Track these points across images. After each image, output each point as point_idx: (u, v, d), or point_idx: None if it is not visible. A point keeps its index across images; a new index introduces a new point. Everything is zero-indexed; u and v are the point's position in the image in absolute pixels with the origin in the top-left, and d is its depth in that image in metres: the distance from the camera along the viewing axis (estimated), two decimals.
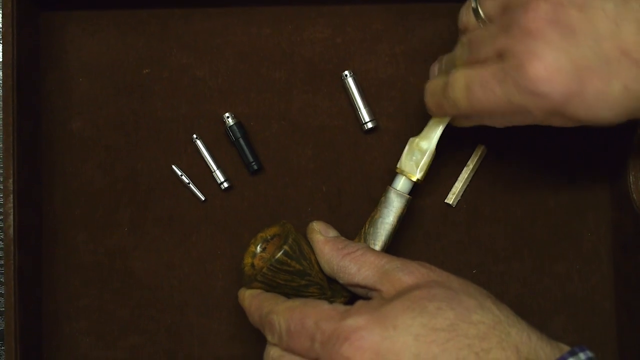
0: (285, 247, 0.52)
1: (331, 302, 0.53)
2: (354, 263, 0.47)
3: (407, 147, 0.55)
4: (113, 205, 0.60)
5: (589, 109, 0.44)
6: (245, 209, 0.60)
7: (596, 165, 0.60)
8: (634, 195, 0.56)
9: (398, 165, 0.55)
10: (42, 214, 0.59)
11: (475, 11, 0.49)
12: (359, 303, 0.43)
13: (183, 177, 0.59)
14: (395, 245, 0.59)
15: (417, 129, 0.59)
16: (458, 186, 0.59)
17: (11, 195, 0.54)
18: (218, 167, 0.59)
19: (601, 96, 0.43)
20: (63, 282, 0.59)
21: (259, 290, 0.51)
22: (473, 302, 0.41)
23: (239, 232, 0.59)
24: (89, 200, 0.59)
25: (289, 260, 0.52)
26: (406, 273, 0.44)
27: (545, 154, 0.60)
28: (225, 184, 0.59)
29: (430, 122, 0.55)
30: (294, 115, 0.60)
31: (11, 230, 0.54)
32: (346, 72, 0.59)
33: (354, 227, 0.59)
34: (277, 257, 0.52)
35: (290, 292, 0.53)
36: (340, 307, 0.43)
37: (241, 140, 0.59)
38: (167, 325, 0.59)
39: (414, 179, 0.55)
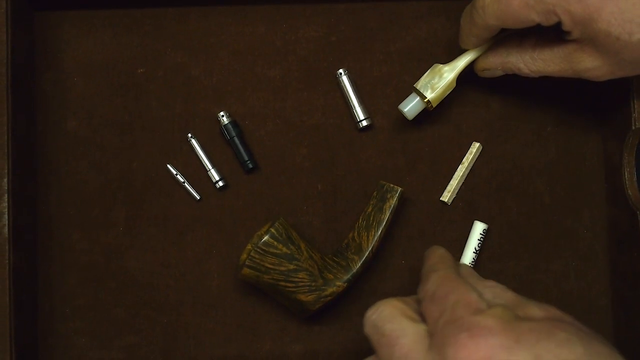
0: (272, 229, 0.54)
1: (323, 290, 0.54)
2: (488, 288, 0.45)
3: (429, 70, 0.56)
4: (108, 204, 0.59)
5: (623, 21, 0.44)
6: (241, 207, 0.60)
7: (591, 162, 0.60)
8: (629, 191, 0.56)
9: (415, 85, 0.56)
10: (37, 214, 0.59)
11: None
12: (500, 308, 0.41)
13: (178, 176, 0.59)
14: (391, 243, 0.59)
15: (412, 127, 0.60)
16: (453, 184, 0.59)
17: (6, 195, 0.54)
18: (213, 166, 0.59)
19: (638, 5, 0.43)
20: (58, 281, 0.59)
21: (444, 254, 0.49)
22: (604, 348, 0.39)
23: (235, 231, 0.59)
24: (84, 200, 0.59)
25: (275, 243, 0.53)
26: (539, 307, 0.43)
27: (540, 151, 0.60)
28: (221, 183, 0.59)
29: (459, 56, 0.56)
30: (288, 114, 0.60)
31: (6, 230, 0.54)
32: (341, 71, 0.59)
33: (349, 225, 0.59)
34: (264, 239, 0.53)
35: (279, 277, 0.53)
36: (484, 305, 0.41)
37: (236, 139, 0.59)
38: (162, 325, 0.59)
39: (426, 99, 0.55)
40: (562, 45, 0.51)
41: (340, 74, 0.59)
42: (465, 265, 0.49)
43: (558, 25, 0.49)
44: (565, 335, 0.39)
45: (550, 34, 0.52)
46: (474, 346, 0.38)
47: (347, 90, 0.59)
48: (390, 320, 0.43)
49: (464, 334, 0.39)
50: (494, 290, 0.44)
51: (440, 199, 0.59)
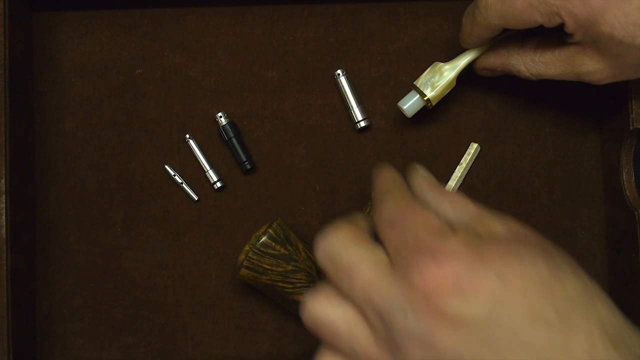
0: (270, 230, 0.54)
1: None
2: (449, 203, 0.44)
3: (429, 68, 0.56)
4: (106, 205, 0.59)
5: (627, 24, 0.44)
6: (239, 208, 0.60)
7: (589, 163, 0.60)
8: (627, 192, 0.56)
9: (414, 82, 0.56)
10: (35, 214, 0.59)
11: None
12: (463, 232, 0.40)
13: (176, 177, 0.59)
14: None
15: (410, 128, 0.60)
16: (452, 184, 0.59)
17: (4, 196, 0.54)
18: (211, 167, 0.59)
19: None
20: (56, 282, 0.59)
21: (395, 176, 0.47)
22: (567, 266, 0.39)
23: (233, 232, 0.59)
24: (82, 200, 0.59)
25: (273, 244, 0.53)
26: (503, 223, 0.42)
27: (538, 151, 0.60)
28: (219, 184, 0.59)
29: (460, 55, 0.56)
30: (286, 115, 0.60)
31: (4, 231, 0.54)
32: (339, 71, 0.59)
33: None
34: (261, 240, 0.53)
35: (277, 278, 0.54)
36: (446, 228, 0.40)
37: (234, 140, 0.59)
38: (160, 326, 0.59)
39: (426, 97, 0.55)
40: (563, 47, 0.51)
41: (338, 74, 0.59)
42: (420, 173, 0.47)
43: (560, 27, 0.49)
44: (529, 255, 0.39)
45: (552, 37, 0.51)
46: (439, 270, 0.37)
47: (345, 91, 0.59)
48: (345, 247, 0.41)
49: (428, 258, 0.38)
50: (455, 205, 0.43)
51: None
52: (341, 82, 0.59)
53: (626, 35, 0.46)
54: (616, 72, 0.49)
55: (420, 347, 0.37)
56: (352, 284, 0.40)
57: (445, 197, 0.44)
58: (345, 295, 0.40)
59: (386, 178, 0.46)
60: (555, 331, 0.36)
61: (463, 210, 0.43)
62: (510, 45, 0.54)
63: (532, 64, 0.53)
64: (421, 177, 0.46)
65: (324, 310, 0.41)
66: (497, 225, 0.41)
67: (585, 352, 0.36)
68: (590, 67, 0.50)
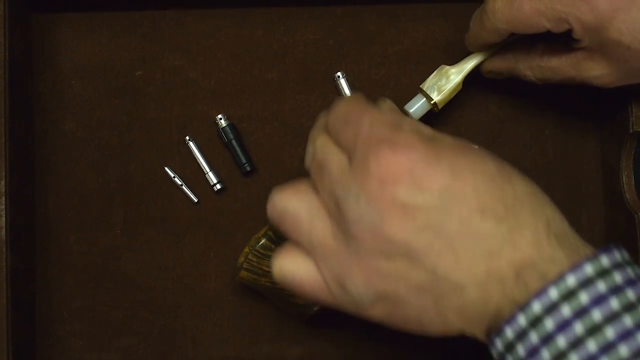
0: (269, 232, 0.54)
1: None
2: (407, 122, 0.44)
3: (435, 72, 0.56)
4: (106, 206, 0.60)
5: (634, 30, 0.45)
6: (238, 210, 0.60)
7: (589, 165, 0.60)
8: (627, 194, 0.56)
9: (421, 86, 0.56)
10: (35, 215, 0.59)
11: None
12: (417, 129, 0.42)
13: (176, 178, 0.59)
14: None
15: None
16: None
17: (3, 197, 0.54)
18: (211, 169, 0.59)
19: None
20: (56, 283, 0.59)
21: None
22: (515, 172, 0.41)
23: (232, 234, 0.59)
24: (81, 201, 0.59)
25: (272, 246, 0.54)
26: (454, 138, 0.43)
27: (538, 153, 0.60)
28: (218, 186, 0.59)
29: (466, 58, 0.56)
30: (286, 117, 0.60)
31: (3, 232, 0.54)
32: (339, 74, 0.59)
33: None
34: (261, 242, 0.54)
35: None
36: (399, 119, 0.42)
37: (234, 142, 0.59)
38: (160, 327, 0.59)
39: (432, 101, 0.55)
40: (570, 53, 0.51)
41: (338, 77, 0.59)
42: (384, 101, 0.48)
43: (567, 32, 0.48)
44: (479, 155, 0.40)
45: (559, 42, 0.51)
46: (394, 158, 0.38)
47: (344, 93, 0.59)
48: (320, 148, 0.43)
49: (385, 147, 0.39)
50: (411, 122, 0.44)
51: None
52: (341, 85, 0.59)
53: (634, 40, 0.46)
54: (623, 76, 0.50)
55: (371, 235, 0.39)
56: (322, 180, 0.42)
57: (404, 117, 0.45)
58: (317, 191, 0.42)
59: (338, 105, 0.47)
60: (502, 224, 0.38)
61: (419, 126, 0.44)
62: (517, 50, 0.54)
63: (538, 69, 0.53)
64: (386, 103, 0.48)
65: (289, 201, 0.43)
66: (450, 138, 0.43)
67: (531, 246, 0.38)
68: (597, 72, 0.50)
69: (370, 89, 0.60)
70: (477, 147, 0.42)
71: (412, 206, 0.38)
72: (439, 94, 0.55)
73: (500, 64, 0.55)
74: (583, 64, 0.50)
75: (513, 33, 0.51)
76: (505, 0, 0.49)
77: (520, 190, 0.39)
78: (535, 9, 0.47)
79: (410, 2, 0.60)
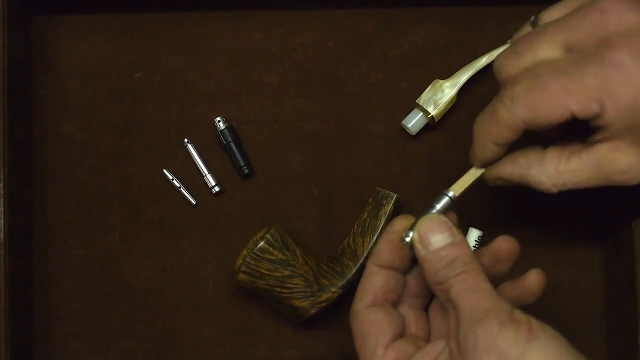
0: (268, 235, 0.54)
1: (318, 295, 0.54)
2: None
3: (430, 86, 0.57)
4: (104, 209, 0.60)
5: None
6: (236, 213, 0.60)
7: None
8: (625, 200, 0.56)
9: (417, 100, 0.57)
10: (34, 218, 0.59)
11: (534, 24, 0.48)
12: None
13: (174, 181, 0.59)
14: None
15: (408, 134, 0.60)
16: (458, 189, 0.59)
17: (1, 200, 0.54)
18: (209, 172, 0.59)
19: None
20: (54, 286, 0.59)
21: None
22: None
23: (230, 237, 0.60)
24: (80, 204, 0.59)
25: (271, 249, 0.54)
26: None
27: None
28: (216, 188, 0.59)
29: (459, 71, 0.57)
30: (285, 120, 0.60)
31: (2, 235, 0.54)
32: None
33: (344, 231, 0.59)
34: (259, 245, 0.54)
35: (274, 283, 0.54)
36: None
37: (232, 145, 0.59)
38: (158, 330, 0.59)
39: (429, 115, 0.57)
40: (591, 148, 0.45)
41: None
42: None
43: (585, 127, 0.44)
44: None
45: (575, 141, 0.46)
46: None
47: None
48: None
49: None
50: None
51: None
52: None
53: None
54: None
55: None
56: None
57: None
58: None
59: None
60: None
61: None
62: (530, 155, 0.47)
63: (556, 174, 0.46)
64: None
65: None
66: None
67: None
68: (624, 164, 0.44)
69: (368, 93, 0.60)
70: None
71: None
72: (435, 108, 0.57)
73: (511, 170, 0.48)
74: (607, 158, 0.44)
75: (525, 133, 0.46)
76: (527, 82, 0.44)
77: None
78: (562, 87, 0.43)
79: (410, 6, 0.60)
